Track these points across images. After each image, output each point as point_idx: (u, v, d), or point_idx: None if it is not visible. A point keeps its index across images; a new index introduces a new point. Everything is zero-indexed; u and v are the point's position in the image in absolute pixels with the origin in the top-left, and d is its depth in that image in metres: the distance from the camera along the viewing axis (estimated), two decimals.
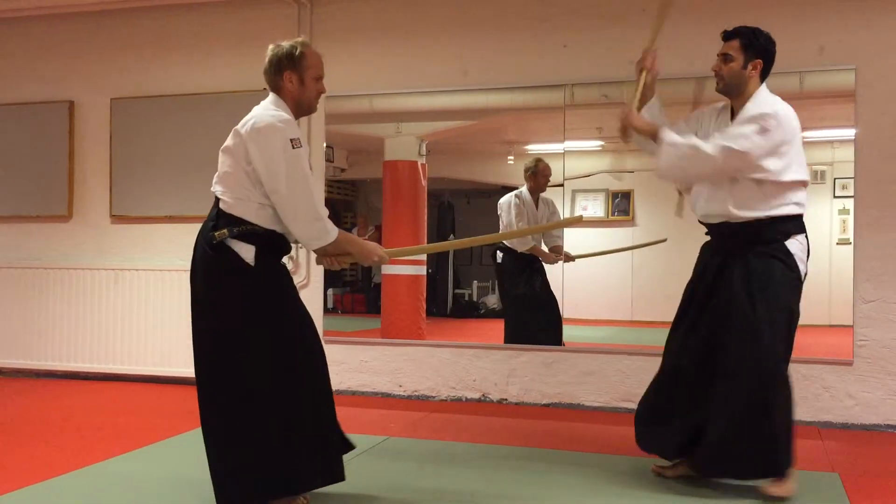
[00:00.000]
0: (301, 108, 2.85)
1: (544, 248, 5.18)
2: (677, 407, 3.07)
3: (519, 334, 5.15)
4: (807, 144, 5.75)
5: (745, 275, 2.95)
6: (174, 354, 5.23)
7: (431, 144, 5.52)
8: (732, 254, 3.03)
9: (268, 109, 2.76)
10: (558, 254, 5.03)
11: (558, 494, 3.02)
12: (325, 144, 5.17)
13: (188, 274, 2.84)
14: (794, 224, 3.00)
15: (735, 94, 3.04)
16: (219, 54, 5.33)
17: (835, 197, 5.05)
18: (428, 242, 5.79)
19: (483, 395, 4.86)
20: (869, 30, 4.24)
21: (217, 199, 2.76)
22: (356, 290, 7.16)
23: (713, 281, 3.06)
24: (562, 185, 4.85)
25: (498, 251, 5.44)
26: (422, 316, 5.50)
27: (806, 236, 3.03)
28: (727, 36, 3.04)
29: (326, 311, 5.32)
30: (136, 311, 5.37)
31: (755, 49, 2.98)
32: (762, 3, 4.31)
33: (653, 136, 3.02)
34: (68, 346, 5.48)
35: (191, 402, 2.82)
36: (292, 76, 2.79)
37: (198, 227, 2.81)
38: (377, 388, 5.04)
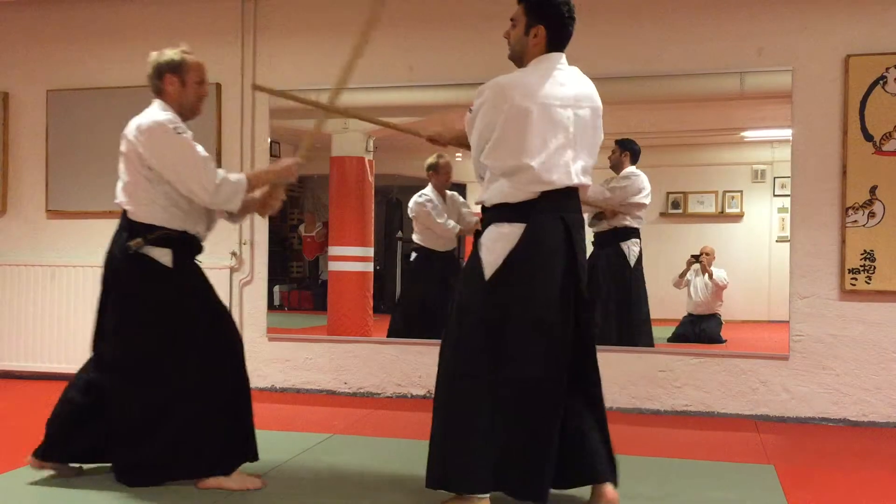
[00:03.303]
0: (184, 110, 2.94)
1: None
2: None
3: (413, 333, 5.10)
4: (748, 144, 5.89)
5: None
6: None
7: (379, 141, 5.49)
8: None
9: (152, 111, 2.89)
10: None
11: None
12: (269, 140, 5.10)
13: None
14: (498, 212, 2.63)
15: (519, 65, 2.76)
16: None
17: (774, 195, 5.17)
18: (375, 240, 5.74)
19: (428, 391, 4.86)
20: (804, 33, 4.35)
21: (124, 210, 2.85)
22: (303, 287, 7.09)
23: None
24: None
25: (413, 251, 5.45)
26: (369, 312, 5.46)
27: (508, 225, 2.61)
28: None
29: (273, 308, 5.25)
30: (74, 308, 5.22)
31: (535, 14, 2.64)
32: (702, 4, 4.37)
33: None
34: (2, 344, 5.31)
35: None
36: (173, 79, 2.93)
37: None
38: (322, 385, 5.00)
